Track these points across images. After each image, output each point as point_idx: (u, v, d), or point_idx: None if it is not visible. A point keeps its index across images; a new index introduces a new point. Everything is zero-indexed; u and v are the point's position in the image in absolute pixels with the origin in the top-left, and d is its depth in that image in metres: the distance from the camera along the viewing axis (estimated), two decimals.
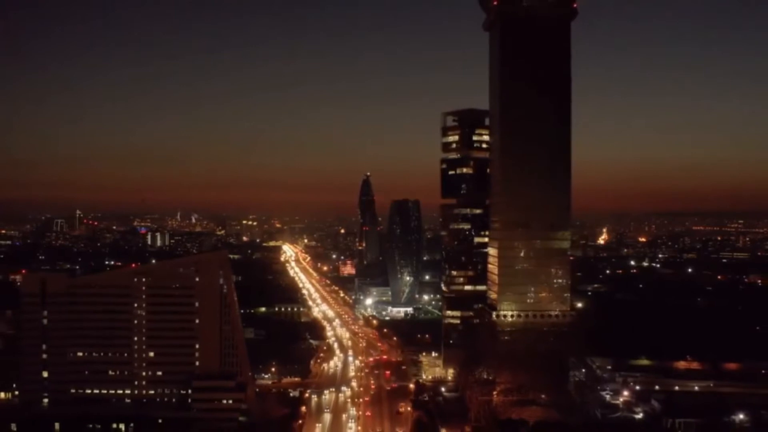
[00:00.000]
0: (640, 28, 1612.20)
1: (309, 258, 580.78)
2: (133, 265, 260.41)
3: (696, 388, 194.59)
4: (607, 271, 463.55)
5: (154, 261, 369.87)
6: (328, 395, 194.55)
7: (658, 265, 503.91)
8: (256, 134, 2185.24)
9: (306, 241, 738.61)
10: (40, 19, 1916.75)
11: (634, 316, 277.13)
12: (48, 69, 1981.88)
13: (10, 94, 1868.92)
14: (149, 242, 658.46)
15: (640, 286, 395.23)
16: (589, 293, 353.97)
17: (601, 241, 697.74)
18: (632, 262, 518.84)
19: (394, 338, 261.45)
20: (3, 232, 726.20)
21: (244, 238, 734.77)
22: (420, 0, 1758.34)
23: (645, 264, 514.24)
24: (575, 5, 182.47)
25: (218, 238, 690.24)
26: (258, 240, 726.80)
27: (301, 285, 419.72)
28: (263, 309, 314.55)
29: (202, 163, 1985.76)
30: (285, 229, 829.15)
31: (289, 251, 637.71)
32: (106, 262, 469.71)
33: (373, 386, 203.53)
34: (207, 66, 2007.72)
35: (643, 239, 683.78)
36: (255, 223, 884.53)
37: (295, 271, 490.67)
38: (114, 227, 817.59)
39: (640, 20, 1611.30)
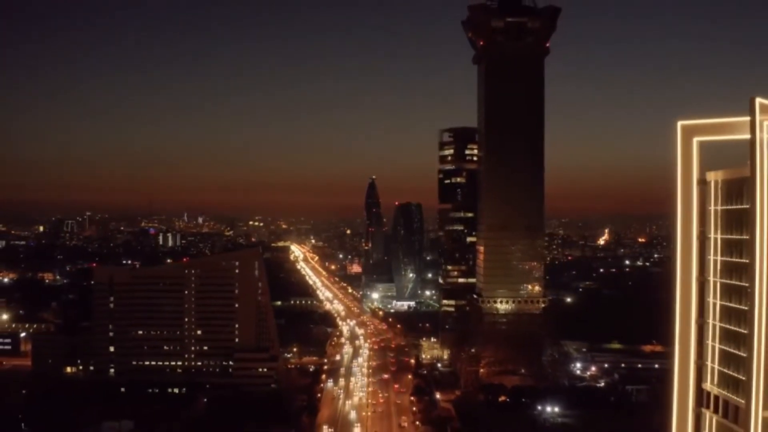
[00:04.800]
0: (647, 25, 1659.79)
1: (317, 258, 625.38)
2: (185, 259, 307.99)
3: (656, 365, 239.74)
4: (601, 270, 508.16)
5: (169, 261, 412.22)
6: (347, 346, 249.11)
7: (650, 265, 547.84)
8: (260, 137, 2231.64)
9: (313, 241, 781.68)
10: (47, 21, 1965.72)
11: (614, 309, 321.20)
12: (52, 71, 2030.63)
13: (15, 97, 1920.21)
14: (160, 243, 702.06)
15: (630, 283, 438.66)
16: (580, 289, 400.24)
17: (601, 241, 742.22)
18: (627, 262, 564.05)
19: (398, 326, 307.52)
20: (13, 233, 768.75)
21: (253, 239, 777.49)
22: (420, 21, 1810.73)
23: (639, 263, 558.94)
24: (548, 45, 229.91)
25: (227, 239, 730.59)
26: (266, 240, 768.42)
27: (311, 282, 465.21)
28: (279, 303, 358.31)
29: (207, 165, 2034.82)
30: (291, 230, 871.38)
31: (297, 251, 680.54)
32: (123, 262, 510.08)
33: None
34: (211, 68, 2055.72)
35: (642, 240, 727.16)
36: (261, 224, 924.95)
37: (305, 270, 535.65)
38: (122, 228, 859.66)
39: (642, 17, 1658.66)
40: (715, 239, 79.24)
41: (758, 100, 69.65)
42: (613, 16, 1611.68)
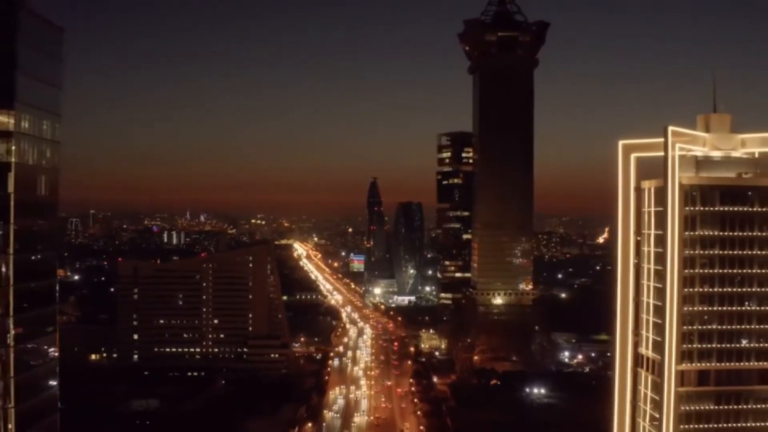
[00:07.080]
0: (648, 23, 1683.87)
1: (320, 255, 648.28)
2: (202, 255, 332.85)
3: None
4: (597, 267, 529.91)
5: (175, 258, 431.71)
6: (352, 330, 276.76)
7: None
8: (261, 136, 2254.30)
9: (315, 239, 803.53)
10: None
11: (605, 304, 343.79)
12: None
13: None
14: (165, 240, 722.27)
15: None
16: (575, 285, 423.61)
17: (600, 240, 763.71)
18: None
19: (399, 319, 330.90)
20: None
21: (256, 237, 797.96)
22: (420, 25, 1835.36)
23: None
24: (538, 57, 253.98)
25: (230, 237, 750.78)
26: (269, 238, 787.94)
27: (315, 278, 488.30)
28: (285, 297, 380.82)
29: (208, 164, 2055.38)
30: (294, 228, 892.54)
31: (300, 249, 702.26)
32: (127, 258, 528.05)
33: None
34: (212, 69, 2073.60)
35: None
36: (263, 223, 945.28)
37: (308, 267, 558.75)
38: (124, 226, 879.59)
39: (643, 14, 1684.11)
40: (648, 234, 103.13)
41: (670, 128, 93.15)
42: (615, 13, 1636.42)
